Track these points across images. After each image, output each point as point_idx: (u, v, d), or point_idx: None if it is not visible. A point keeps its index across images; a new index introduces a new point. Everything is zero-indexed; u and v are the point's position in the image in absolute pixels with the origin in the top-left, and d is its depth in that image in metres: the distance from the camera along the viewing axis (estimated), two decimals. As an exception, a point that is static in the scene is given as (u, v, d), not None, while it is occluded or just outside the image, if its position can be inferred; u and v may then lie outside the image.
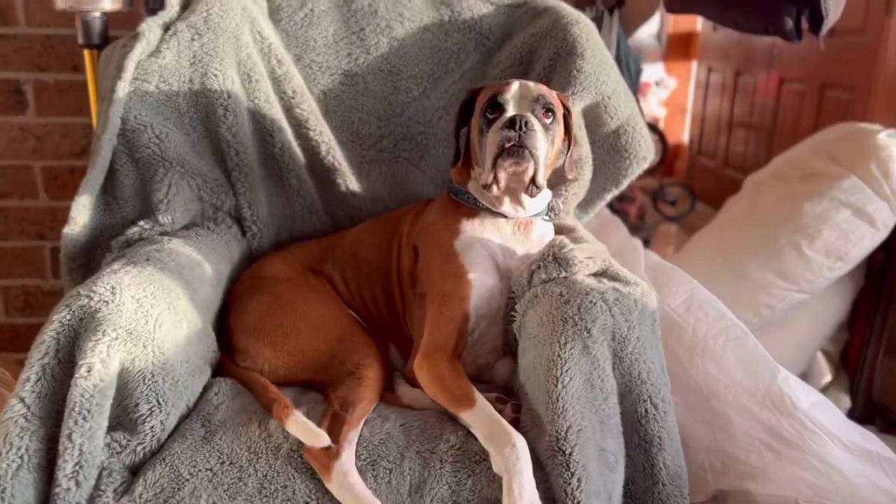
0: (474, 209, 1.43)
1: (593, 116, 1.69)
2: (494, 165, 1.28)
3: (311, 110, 1.75)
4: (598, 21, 2.90)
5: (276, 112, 1.67)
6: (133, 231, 1.55)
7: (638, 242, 1.88)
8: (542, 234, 1.43)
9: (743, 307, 1.86)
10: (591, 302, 1.25)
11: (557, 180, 1.61)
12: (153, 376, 1.22)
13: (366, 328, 1.48)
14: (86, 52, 1.73)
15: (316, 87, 1.80)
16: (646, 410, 1.24)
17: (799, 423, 1.45)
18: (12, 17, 1.97)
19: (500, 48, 1.83)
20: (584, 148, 1.72)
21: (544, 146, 1.33)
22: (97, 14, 1.71)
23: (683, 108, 5.12)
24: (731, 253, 2.05)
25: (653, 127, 4.62)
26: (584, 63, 1.68)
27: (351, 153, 1.77)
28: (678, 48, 5.05)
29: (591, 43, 1.71)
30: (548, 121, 1.37)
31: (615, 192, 1.82)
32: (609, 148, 1.76)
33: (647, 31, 5.05)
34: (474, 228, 1.39)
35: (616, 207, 4.19)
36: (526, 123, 1.29)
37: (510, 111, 1.34)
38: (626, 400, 1.25)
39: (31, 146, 2.07)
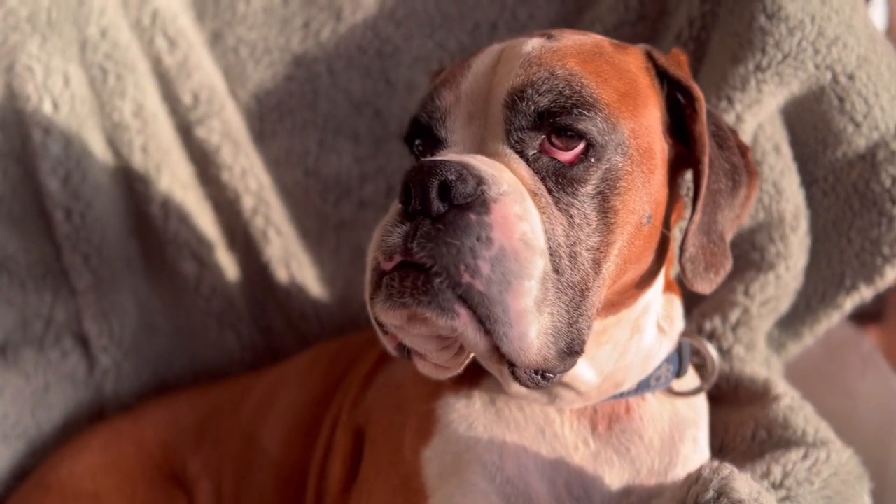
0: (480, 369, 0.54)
1: (809, 122, 0.71)
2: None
3: (226, 131, 0.94)
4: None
5: (155, 136, 0.85)
6: None
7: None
8: (670, 430, 0.63)
9: None
10: None
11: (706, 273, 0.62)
12: None
13: None
14: None
15: (243, 87, 0.97)
16: None
17: None
18: None
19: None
20: (788, 198, 0.74)
21: (536, 252, 0.49)
22: None
23: None
24: None
25: None
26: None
27: (303, 212, 0.91)
28: None
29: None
30: (566, 156, 0.51)
31: (865, 294, 0.80)
32: (849, 192, 0.77)
33: None
34: (472, 421, 0.60)
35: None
36: (445, 190, 0.48)
37: (445, 150, 0.54)
38: None
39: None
